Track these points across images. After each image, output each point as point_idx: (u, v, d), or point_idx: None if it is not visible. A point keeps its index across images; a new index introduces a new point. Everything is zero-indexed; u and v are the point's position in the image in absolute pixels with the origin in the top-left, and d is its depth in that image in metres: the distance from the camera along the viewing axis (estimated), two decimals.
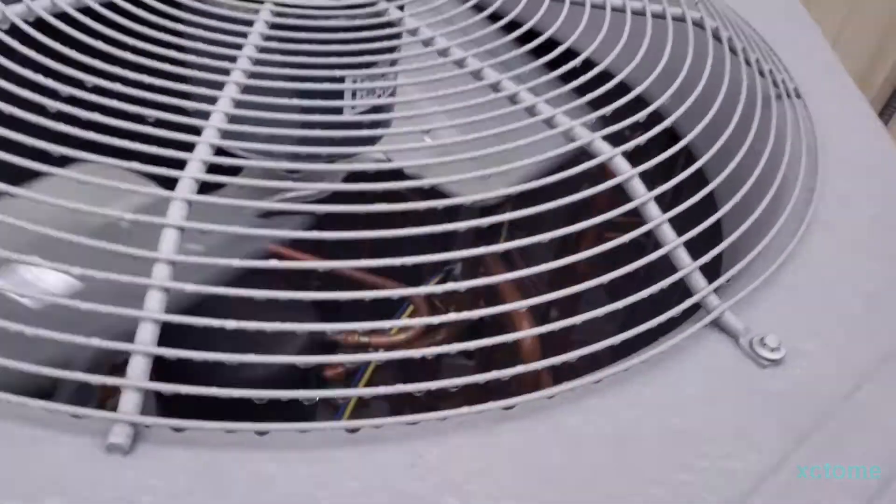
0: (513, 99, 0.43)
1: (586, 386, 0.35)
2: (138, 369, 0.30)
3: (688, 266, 0.39)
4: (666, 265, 0.39)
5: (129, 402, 0.30)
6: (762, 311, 0.40)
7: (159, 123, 0.36)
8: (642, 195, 0.40)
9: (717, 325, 0.39)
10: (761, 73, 0.55)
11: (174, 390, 0.30)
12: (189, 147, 0.35)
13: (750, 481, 0.32)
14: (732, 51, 0.54)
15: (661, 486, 0.32)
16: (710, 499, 0.31)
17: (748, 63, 0.53)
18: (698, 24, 0.54)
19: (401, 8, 0.47)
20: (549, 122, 0.42)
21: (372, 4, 0.46)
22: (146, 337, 0.31)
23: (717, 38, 0.55)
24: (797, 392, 0.37)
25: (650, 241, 0.40)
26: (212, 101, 0.38)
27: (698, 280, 0.39)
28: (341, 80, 0.42)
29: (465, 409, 0.32)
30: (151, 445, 0.30)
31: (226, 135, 0.37)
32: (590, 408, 0.34)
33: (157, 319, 0.31)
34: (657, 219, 0.39)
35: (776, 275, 0.42)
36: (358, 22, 0.45)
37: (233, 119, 0.38)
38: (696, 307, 0.39)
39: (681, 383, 0.36)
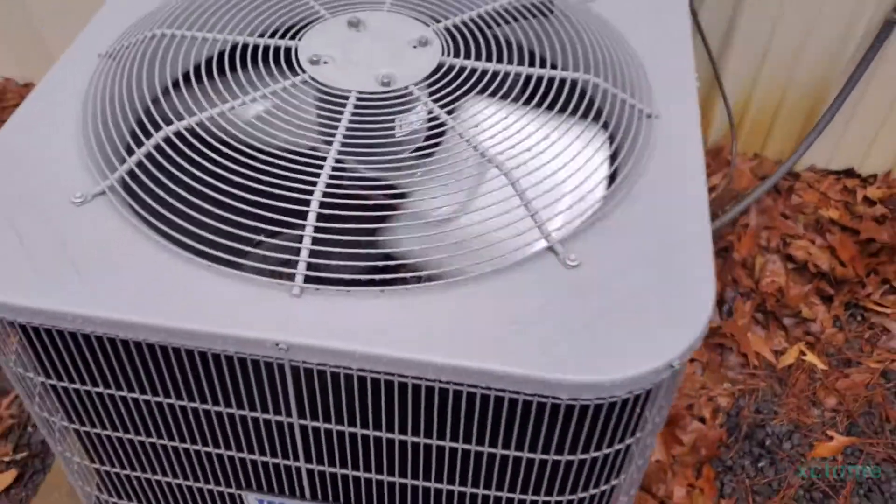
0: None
1: (472, 275, 0.84)
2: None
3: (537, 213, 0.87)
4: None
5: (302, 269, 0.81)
6: (574, 241, 0.87)
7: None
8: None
9: (552, 249, 0.87)
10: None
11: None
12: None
13: (556, 318, 0.81)
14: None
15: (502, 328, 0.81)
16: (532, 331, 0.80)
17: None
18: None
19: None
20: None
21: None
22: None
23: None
24: (583, 278, 0.84)
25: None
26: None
27: (542, 222, 0.87)
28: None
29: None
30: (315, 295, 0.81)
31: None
32: (480, 281, 0.83)
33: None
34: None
35: (590, 221, 0.89)
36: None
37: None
38: (538, 241, 0.87)
39: (527, 274, 0.84)
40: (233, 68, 1.00)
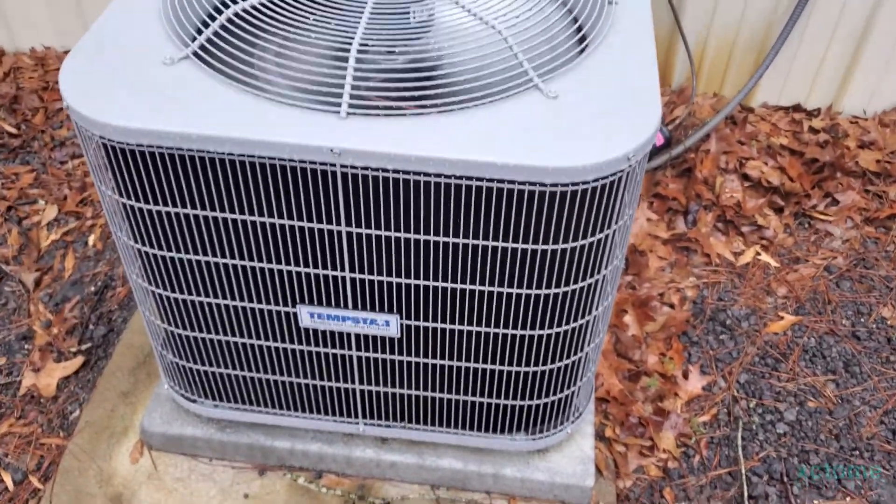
0: None
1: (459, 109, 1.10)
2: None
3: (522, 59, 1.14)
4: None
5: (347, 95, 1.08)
6: (553, 81, 1.14)
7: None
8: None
9: (537, 87, 1.13)
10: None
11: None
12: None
13: (541, 130, 1.07)
14: None
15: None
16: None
17: None
18: None
19: None
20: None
21: None
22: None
23: None
24: (560, 105, 1.11)
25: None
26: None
27: (528, 67, 1.14)
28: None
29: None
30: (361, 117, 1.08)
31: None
32: (471, 113, 1.10)
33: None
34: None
35: (571, 64, 1.16)
36: None
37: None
38: (527, 81, 1.14)
39: (523, 101, 1.11)
40: None
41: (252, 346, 1.39)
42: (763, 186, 2.25)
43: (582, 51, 1.22)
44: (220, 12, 1.21)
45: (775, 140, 2.35)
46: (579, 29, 1.31)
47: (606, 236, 1.17)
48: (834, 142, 2.34)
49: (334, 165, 1.07)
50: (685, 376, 1.83)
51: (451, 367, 1.37)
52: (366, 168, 1.07)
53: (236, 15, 1.19)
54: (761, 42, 2.36)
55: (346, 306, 1.28)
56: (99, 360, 1.83)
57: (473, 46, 1.18)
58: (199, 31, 1.20)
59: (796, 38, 2.31)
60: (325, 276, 1.24)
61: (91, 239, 2.09)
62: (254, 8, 1.20)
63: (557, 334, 1.30)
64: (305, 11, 1.19)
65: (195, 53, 1.16)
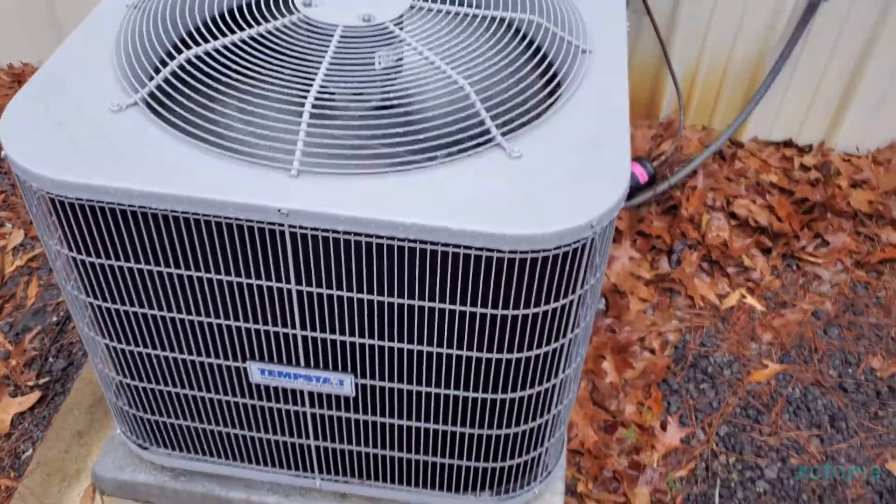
0: None
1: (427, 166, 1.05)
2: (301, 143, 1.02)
3: (485, 116, 1.08)
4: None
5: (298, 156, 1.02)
6: (517, 139, 1.09)
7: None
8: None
9: (500, 146, 1.08)
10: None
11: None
12: None
13: (501, 193, 1.02)
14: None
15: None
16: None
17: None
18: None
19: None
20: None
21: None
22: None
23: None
24: (524, 166, 1.05)
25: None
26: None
27: (490, 125, 1.08)
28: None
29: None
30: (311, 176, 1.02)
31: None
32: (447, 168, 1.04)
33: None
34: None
35: (534, 123, 1.10)
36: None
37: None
38: (489, 140, 1.08)
39: (484, 160, 1.05)
40: (242, 16, 1.22)
41: (203, 398, 1.33)
42: (751, 226, 2.19)
43: (553, 103, 1.16)
44: (172, 58, 1.15)
45: (765, 177, 2.29)
46: (554, 75, 1.26)
47: (571, 302, 1.11)
48: (825, 180, 2.28)
49: (282, 225, 1.02)
50: (663, 427, 1.77)
51: (409, 428, 1.31)
52: (315, 229, 1.01)
53: (188, 61, 1.13)
54: (752, 75, 2.30)
55: (297, 364, 1.22)
56: (56, 396, 1.77)
57: (434, 103, 1.12)
58: (151, 78, 1.14)
59: (788, 72, 2.25)
60: (276, 333, 1.18)
61: None
62: (207, 54, 1.14)
63: (521, 398, 1.24)
64: (261, 60, 1.13)
65: (143, 100, 1.11)
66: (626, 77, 1.23)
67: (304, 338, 1.17)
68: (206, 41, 1.16)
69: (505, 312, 1.09)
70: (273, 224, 1.02)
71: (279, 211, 0.99)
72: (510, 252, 1.00)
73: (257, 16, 1.22)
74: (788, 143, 2.43)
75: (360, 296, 1.10)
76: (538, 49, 1.28)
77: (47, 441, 1.65)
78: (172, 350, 1.24)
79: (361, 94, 1.16)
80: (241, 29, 1.18)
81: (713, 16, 2.18)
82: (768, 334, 1.99)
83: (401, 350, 1.17)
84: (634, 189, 2.13)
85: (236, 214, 1.00)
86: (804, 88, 2.30)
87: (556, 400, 1.30)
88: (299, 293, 1.11)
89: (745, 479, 1.70)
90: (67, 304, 1.24)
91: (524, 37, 1.29)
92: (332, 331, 1.16)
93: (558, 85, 1.23)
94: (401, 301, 1.10)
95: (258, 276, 1.10)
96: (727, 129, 2.26)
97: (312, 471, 1.45)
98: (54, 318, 1.91)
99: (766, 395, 1.86)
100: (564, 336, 1.17)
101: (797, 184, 2.28)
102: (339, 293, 1.10)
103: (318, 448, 1.39)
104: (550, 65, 1.23)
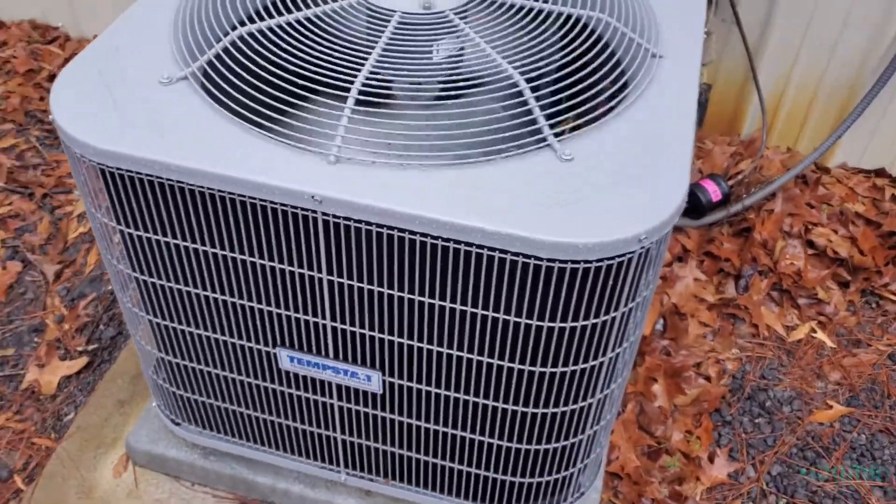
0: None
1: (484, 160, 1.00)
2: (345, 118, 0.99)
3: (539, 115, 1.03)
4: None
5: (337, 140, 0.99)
6: (571, 141, 1.03)
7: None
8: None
9: (550, 147, 1.02)
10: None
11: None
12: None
13: (546, 196, 0.96)
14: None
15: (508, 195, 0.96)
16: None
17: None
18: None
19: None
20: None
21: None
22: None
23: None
24: (574, 169, 0.99)
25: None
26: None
27: (543, 125, 1.03)
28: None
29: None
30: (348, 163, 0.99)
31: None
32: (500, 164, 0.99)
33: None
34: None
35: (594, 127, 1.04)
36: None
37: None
38: (539, 140, 1.02)
39: (532, 160, 1.00)
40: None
41: (235, 380, 1.31)
42: (829, 256, 2.06)
43: (614, 106, 1.09)
44: (229, 35, 1.13)
45: (850, 206, 2.15)
46: (620, 77, 1.19)
47: (613, 319, 1.05)
48: None
49: (315, 212, 0.99)
50: (711, 459, 1.67)
51: (437, 432, 1.27)
52: (348, 218, 0.98)
53: (240, 38, 1.12)
54: (846, 97, 2.16)
55: (326, 355, 1.19)
56: (102, 363, 1.80)
57: (487, 97, 1.07)
58: (205, 53, 1.13)
59: (887, 97, 2.11)
60: (306, 321, 1.15)
61: None
62: (260, 32, 1.12)
63: (554, 414, 1.18)
64: (313, 41, 1.11)
65: (193, 75, 1.09)
66: (696, 86, 1.16)
67: (334, 329, 1.14)
68: (263, 20, 1.14)
69: (540, 324, 1.04)
70: (307, 210, 0.99)
71: (313, 197, 0.96)
72: (548, 260, 0.94)
73: None
74: (880, 173, 2.27)
75: (390, 291, 1.06)
76: (608, 48, 1.22)
77: (89, 407, 1.68)
78: (206, 329, 1.23)
79: (411, 83, 1.12)
80: (300, 10, 1.16)
81: (808, 32, 2.06)
82: (836, 373, 1.87)
83: (430, 351, 1.13)
84: (706, 207, 2.03)
85: (270, 197, 0.98)
86: None
87: (593, 420, 1.23)
88: (330, 283, 1.08)
89: None
90: (111, 277, 1.24)
91: (597, 35, 1.23)
92: (362, 325, 1.12)
93: (623, 87, 1.17)
94: (432, 301, 1.06)
95: (290, 262, 1.07)
96: (813, 153, 2.13)
97: (338, 464, 1.42)
98: (109, 288, 1.94)
99: (828, 437, 1.74)
100: (604, 354, 1.10)
101: (886, 216, 2.13)
102: (370, 287, 1.06)
103: (344, 442, 1.36)
104: (618, 65, 1.17)
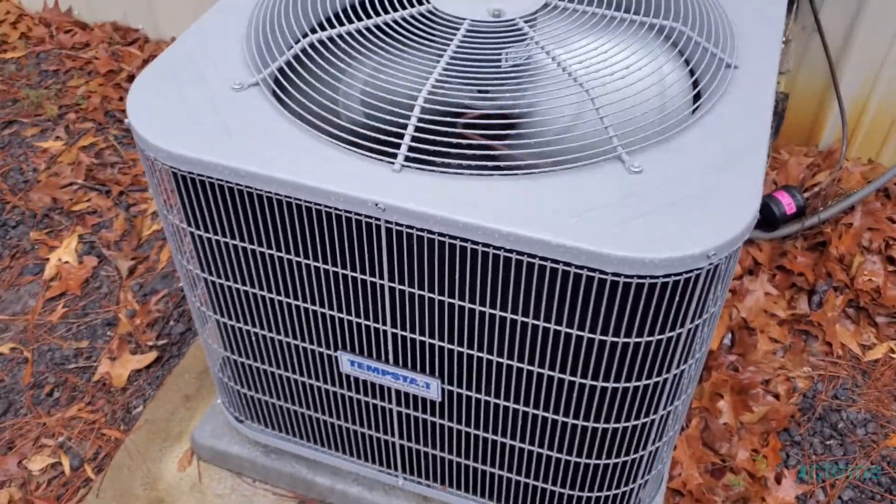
0: None
1: (554, 170, 0.99)
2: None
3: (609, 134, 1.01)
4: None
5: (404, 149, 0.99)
6: (642, 153, 1.01)
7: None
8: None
9: (619, 158, 1.00)
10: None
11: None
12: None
13: (613, 209, 0.95)
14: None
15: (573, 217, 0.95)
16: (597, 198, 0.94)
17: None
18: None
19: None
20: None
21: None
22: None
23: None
24: (643, 182, 0.97)
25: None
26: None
27: (613, 135, 1.01)
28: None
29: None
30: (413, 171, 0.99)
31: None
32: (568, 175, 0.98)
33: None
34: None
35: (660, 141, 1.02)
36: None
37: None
38: (608, 151, 1.01)
39: (601, 172, 0.98)
40: (374, 5, 1.20)
41: (297, 381, 1.33)
42: None
43: (686, 117, 1.07)
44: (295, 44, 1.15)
45: None
46: (695, 87, 1.17)
47: (679, 335, 1.02)
48: None
49: (379, 220, 0.99)
50: (777, 480, 1.62)
51: (495, 442, 1.26)
52: (411, 227, 0.98)
53: (311, 45, 1.13)
54: None
55: (386, 361, 1.19)
56: (172, 358, 1.84)
57: (556, 107, 1.06)
58: (275, 59, 1.15)
59: None
60: (367, 327, 1.16)
61: None
62: (330, 39, 1.13)
63: (615, 429, 1.16)
64: (382, 49, 1.11)
65: (264, 81, 1.11)
66: (772, 98, 1.12)
67: (394, 335, 1.15)
68: (334, 27, 1.15)
69: (604, 338, 1.02)
70: (370, 218, 0.99)
71: (376, 205, 0.96)
72: (613, 275, 0.92)
73: (388, 6, 1.20)
74: None
75: (451, 300, 1.06)
76: (683, 57, 1.20)
77: (157, 400, 1.72)
78: (271, 330, 1.25)
79: (479, 92, 1.12)
80: (370, 17, 1.17)
81: (894, 43, 1.98)
82: None
83: (490, 362, 1.12)
84: (779, 219, 1.96)
85: (335, 204, 0.99)
86: None
87: (656, 436, 1.20)
88: (391, 290, 1.08)
89: None
90: (181, 276, 1.27)
91: (672, 43, 1.20)
92: (422, 332, 1.12)
93: (696, 97, 1.14)
94: (493, 311, 1.05)
95: (353, 268, 1.08)
96: (895, 166, 2.05)
97: (396, 469, 1.43)
98: (180, 284, 1.99)
99: None
100: (668, 371, 1.08)
101: None
102: (431, 295, 1.06)
103: (402, 447, 1.36)
104: (692, 75, 1.14)
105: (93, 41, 2.83)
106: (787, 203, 1.96)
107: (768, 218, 1.97)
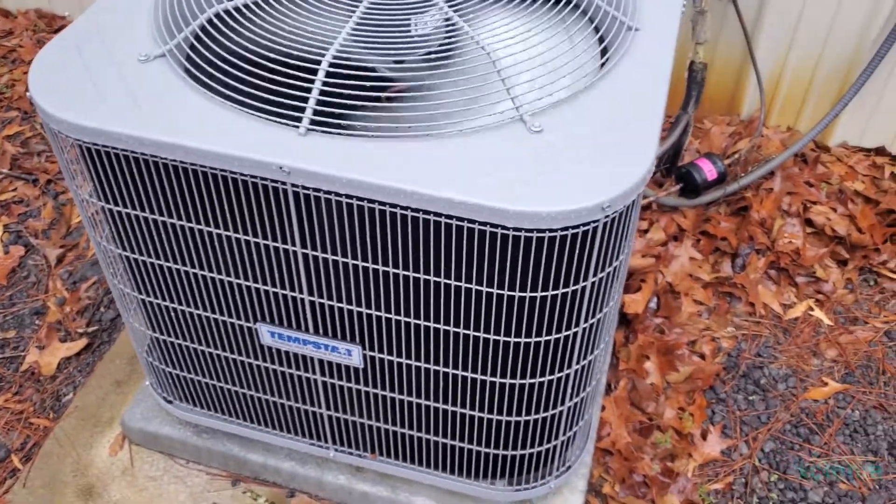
0: None
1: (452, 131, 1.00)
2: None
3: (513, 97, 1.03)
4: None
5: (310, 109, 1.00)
6: (542, 114, 1.03)
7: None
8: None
9: (521, 119, 1.03)
10: None
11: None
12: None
13: (514, 167, 0.97)
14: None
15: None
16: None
17: None
18: None
19: None
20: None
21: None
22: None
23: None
24: (543, 141, 1.00)
25: None
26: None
27: (513, 97, 1.03)
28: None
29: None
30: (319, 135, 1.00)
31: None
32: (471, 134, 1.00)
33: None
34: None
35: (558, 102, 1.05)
36: None
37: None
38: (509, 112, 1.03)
39: (503, 133, 1.00)
40: None
41: (221, 356, 1.33)
42: (827, 235, 2.04)
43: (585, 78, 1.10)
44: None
45: (849, 185, 2.14)
46: (605, 51, 1.19)
47: (583, 288, 1.05)
48: None
49: (285, 184, 1.00)
50: (703, 437, 1.67)
51: (419, 405, 1.28)
52: (317, 190, 0.99)
53: (216, 15, 1.13)
54: (845, 75, 2.14)
55: (306, 330, 1.20)
56: (102, 345, 1.83)
57: (459, 69, 1.08)
58: (181, 30, 1.15)
59: (884, 74, 2.09)
60: (284, 296, 1.17)
61: None
62: (236, 9, 1.13)
63: (532, 385, 1.19)
64: (287, 15, 1.12)
65: (171, 52, 1.11)
66: (671, 58, 1.15)
67: (312, 303, 1.16)
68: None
69: (512, 293, 1.04)
70: (277, 182, 1.00)
71: (281, 168, 0.97)
72: (514, 230, 0.95)
73: None
74: (880, 151, 2.25)
75: (364, 264, 1.07)
76: (593, 24, 1.22)
77: (87, 387, 1.71)
78: (190, 305, 1.25)
79: (383, 56, 1.13)
80: None
81: (804, 10, 2.04)
82: (833, 351, 1.86)
83: (407, 324, 1.14)
84: (701, 186, 2.02)
85: (241, 169, 0.99)
86: None
87: (572, 391, 1.24)
88: (304, 256, 1.09)
89: (785, 499, 1.59)
90: (98, 256, 1.26)
91: (582, 11, 1.23)
92: (339, 298, 1.14)
93: (601, 58, 1.17)
94: (405, 273, 1.07)
95: (264, 236, 1.09)
96: (810, 131, 2.12)
97: (326, 441, 1.44)
98: None
99: (822, 414, 1.73)
100: (577, 325, 1.11)
101: (885, 194, 2.11)
102: (344, 259, 1.08)
103: (330, 418, 1.38)
104: (601, 42, 1.17)
105: (17, 29, 2.77)
106: (709, 170, 2.01)
107: (691, 185, 2.02)
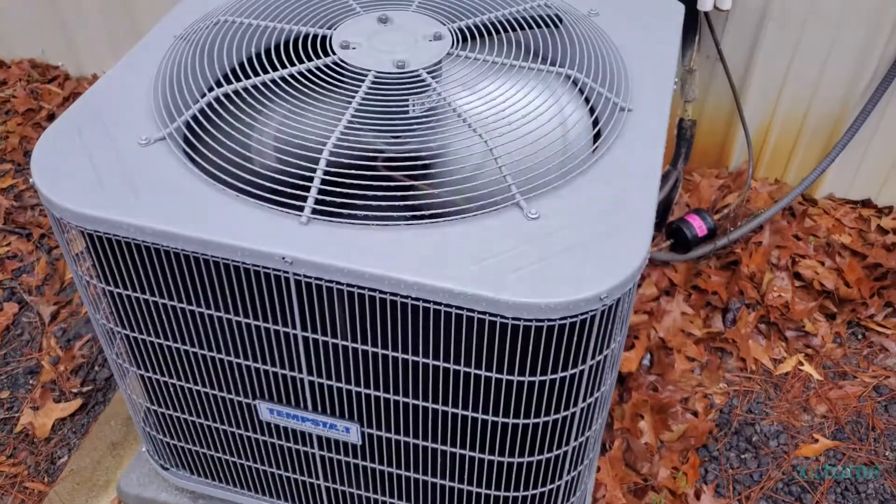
0: None
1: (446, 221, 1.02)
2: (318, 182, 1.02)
3: (509, 180, 1.05)
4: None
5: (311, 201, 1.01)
6: (538, 199, 1.05)
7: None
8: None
9: (518, 205, 1.04)
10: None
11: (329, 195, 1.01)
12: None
13: (511, 256, 0.99)
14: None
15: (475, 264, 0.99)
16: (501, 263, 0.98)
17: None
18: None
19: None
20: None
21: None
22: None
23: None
24: (540, 228, 1.02)
25: None
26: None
27: (511, 183, 1.05)
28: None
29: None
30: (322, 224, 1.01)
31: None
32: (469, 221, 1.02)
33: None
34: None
35: (552, 188, 1.07)
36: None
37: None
38: (507, 198, 1.05)
39: (495, 221, 1.02)
40: (279, 57, 1.22)
41: (219, 429, 1.34)
42: (816, 289, 2.07)
43: (582, 162, 1.12)
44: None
45: (836, 238, 2.17)
46: (598, 133, 1.22)
47: (581, 372, 1.07)
48: None
49: (287, 273, 1.01)
50: (697, 496, 1.68)
51: (417, 480, 1.28)
52: (319, 279, 1.00)
53: (216, 99, 1.15)
54: (832, 129, 2.18)
55: (304, 407, 1.21)
56: (97, 405, 1.82)
57: (457, 157, 1.10)
58: (182, 113, 1.16)
59: (871, 129, 2.13)
60: (283, 376, 1.18)
61: None
62: (235, 93, 1.15)
63: (531, 463, 1.20)
64: (288, 101, 1.14)
65: (171, 136, 1.12)
66: (663, 139, 1.18)
67: (311, 383, 1.17)
68: (239, 80, 1.17)
69: (510, 378, 1.06)
70: (279, 271, 1.01)
71: (283, 259, 0.98)
72: (513, 319, 0.96)
73: (293, 57, 1.22)
74: (867, 203, 2.29)
75: (364, 347, 1.08)
76: (589, 104, 1.25)
77: (82, 449, 1.70)
78: (190, 381, 1.26)
79: (383, 143, 1.15)
80: (275, 69, 1.19)
81: (791, 67, 2.08)
82: (823, 406, 1.87)
83: (406, 404, 1.15)
84: (692, 242, 2.04)
85: (243, 259, 1.00)
86: (887, 146, 2.17)
87: (571, 466, 1.25)
88: (305, 339, 1.10)
89: None
90: (97, 333, 1.27)
91: (578, 88, 1.25)
92: (338, 378, 1.15)
93: (596, 140, 1.20)
94: (405, 356, 1.08)
95: (265, 320, 1.10)
96: (799, 185, 2.15)
97: None
98: None
99: (813, 471, 1.75)
100: (575, 405, 1.12)
101: (871, 247, 2.15)
102: (344, 343, 1.09)
103: (326, 488, 1.38)
104: (596, 122, 1.19)
105: (10, 79, 2.78)
106: (699, 226, 2.04)
107: (681, 241, 2.05)
